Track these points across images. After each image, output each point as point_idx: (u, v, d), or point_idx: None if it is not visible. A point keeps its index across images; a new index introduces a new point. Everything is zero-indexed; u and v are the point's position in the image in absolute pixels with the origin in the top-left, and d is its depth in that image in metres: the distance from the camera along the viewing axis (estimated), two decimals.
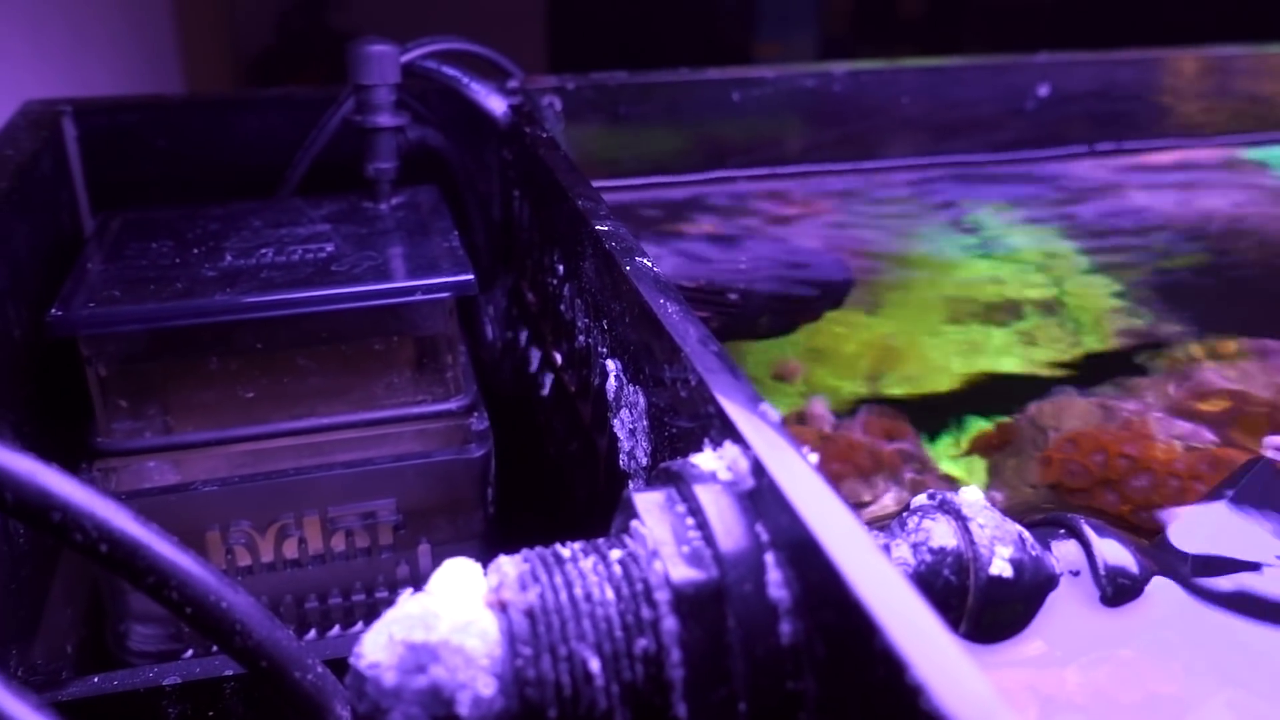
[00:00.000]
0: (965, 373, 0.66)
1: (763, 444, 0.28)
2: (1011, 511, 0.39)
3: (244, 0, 2.43)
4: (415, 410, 0.48)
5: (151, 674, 0.38)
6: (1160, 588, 0.32)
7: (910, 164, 0.79)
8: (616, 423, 0.39)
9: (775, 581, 0.26)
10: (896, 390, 0.65)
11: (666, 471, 0.30)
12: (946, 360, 0.68)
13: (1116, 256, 0.76)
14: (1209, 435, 0.54)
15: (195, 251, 0.49)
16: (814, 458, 0.27)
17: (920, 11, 3.11)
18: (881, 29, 3.11)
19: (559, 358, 0.49)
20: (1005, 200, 0.81)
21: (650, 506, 0.29)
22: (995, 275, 0.75)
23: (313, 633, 0.47)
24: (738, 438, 0.28)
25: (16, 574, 0.40)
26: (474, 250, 0.63)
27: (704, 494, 0.28)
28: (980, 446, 0.60)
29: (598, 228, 0.41)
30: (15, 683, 0.24)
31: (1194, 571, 0.33)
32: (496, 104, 0.57)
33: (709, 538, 0.27)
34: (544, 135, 0.52)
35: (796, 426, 0.61)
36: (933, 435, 0.61)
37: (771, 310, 0.62)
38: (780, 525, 0.26)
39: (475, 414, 0.49)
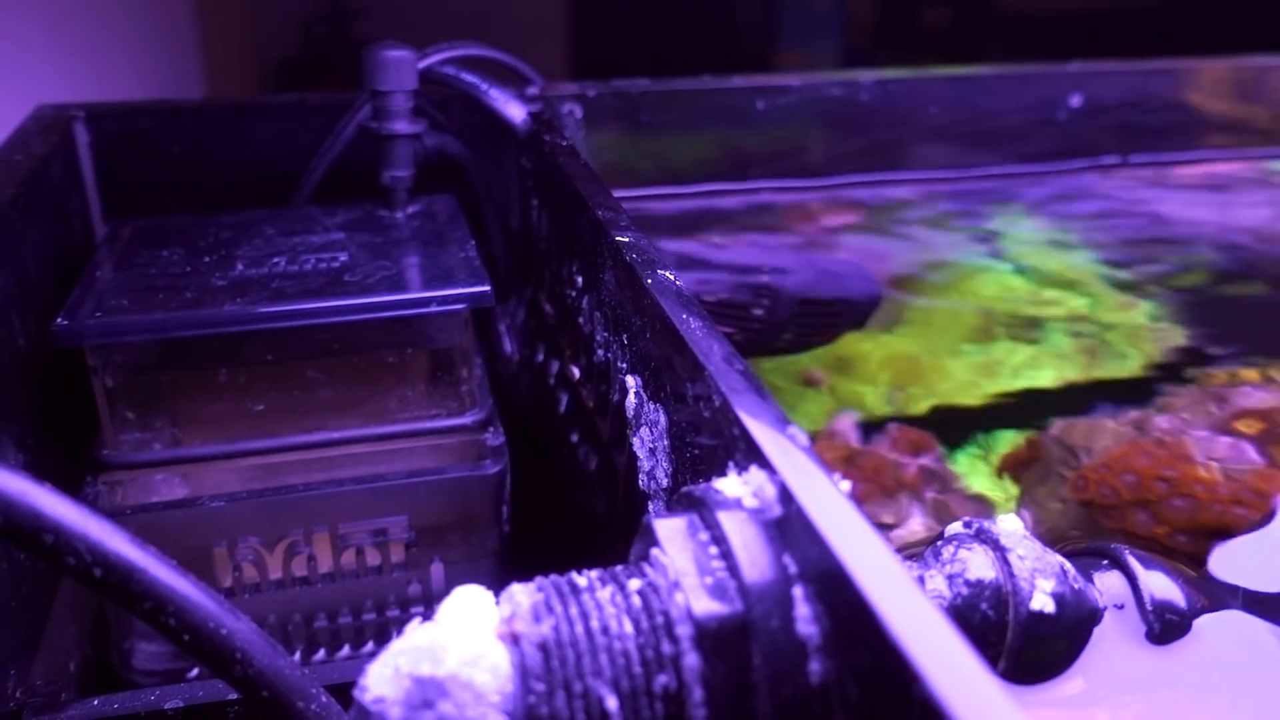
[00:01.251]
0: (992, 388, 0.65)
1: (791, 469, 0.26)
2: (1042, 534, 0.38)
3: (267, 10, 2.44)
4: (429, 425, 0.47)
5: (153, 697, 0.36)
6: (1210, 623, 0.30)
7: (938, 176, 0.78)
8: (636, 441, 0.38)
9: (804, 617, 0.25)
10: (921, 405, 0.63)
11: (689, 496, 0.29)
12: (973, 375, 0.66)
13: (1149, 271, 0.75)
14: (1251, 455, 0.52)
15: (206, 260, 0.48)
16: (846, 485, 0.26)
17: (943, 23, 3.10)
18: (904, 40, 3.10)
19: (577, 372, 0.47)
20: (1035, 213, 0.79)
21: (672, 534, 0.27)
22: (1024, 289, 0.73)
23: (321, 652, 0.46)
24: (764, 462, 0.27)
25: (16, 590, 0.39)
26: (492, 261, 0.62)
27: (728, 522, 0.26)
28: (1009, 465, 0.58)
29: (618, 239, 0.39)
30: None
31: (1245, 605, 0.31)
32: (515, 111, 0.56)
33: (733, 568, 0.26)
34: (563, 143, 0.51)
35: (822, 442, 0.60)
36: (957, 450, 0.59)
37: (796, 326, 0.60)
38: (809, 556, 0.24)
39: (490, 429, 0.47)
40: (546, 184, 0.53)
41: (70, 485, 0.39)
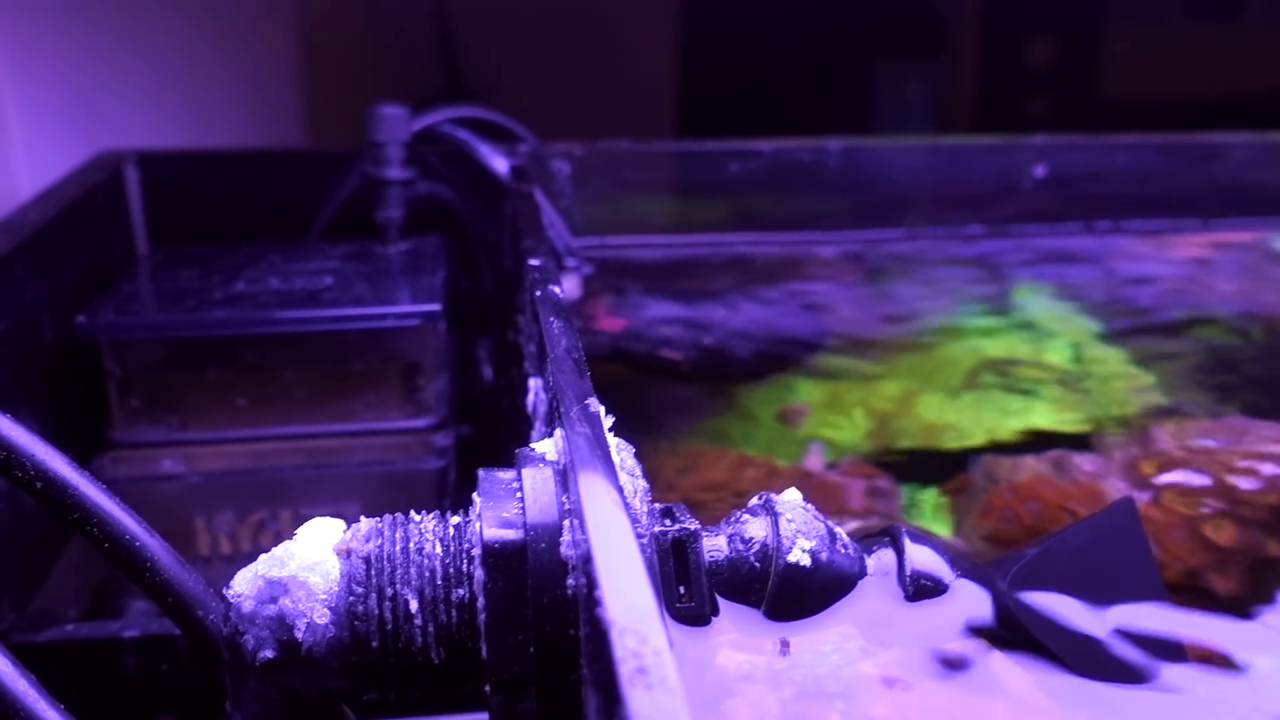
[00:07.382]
0: (961, 434, 0.69)
1: (576, 431, 0.32)
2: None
3: (389, 93, 2.59)
4: (387, 425, 0.54)
5: (115, 626, 0.44)
6: (967, 591, 0.35)
7: (901, 235, 0.82)
8: (534, 434, 0.44)
9: (567, 543, 0.30)
10: (895, 444, 0.68)
11: (516, 455, 0.35)
12: (943, 419, 0.70)
13: (1124, 329, 0.78)
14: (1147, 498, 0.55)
15: (214, 279, 0.56)
16: (614, 442, 0.32)
17: (1046, 112, 3.09)
18: (1004, 129, 3.10)
19: (515, 382, 0.54)
20: (1007, 273, 0.83)
21: (487, 482, 0.33)
22: (998, 342, 0.77)
23: None
24: (563, 425, 0.33)
25: (21, 534, 0.46)
26: (482, 297, 0.69)
27: (526, 472, 0.32)
28: (949, 494, 0.62)
29: (531, 262, 0.46)
30: None
31: (1011, 583, 0.36)
32: (500, 164, 0.64)
33: (523, 507, 0.32)
34: (525, 189, 0.58)
35: (784, 470, 0.64)
36: (922, 489, 0.63)
37: (744, 358, 0.66)
38: (574, 496, 0.30)
39: (440, 432, 0.54)
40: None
41: (81, 459, 0.47)
